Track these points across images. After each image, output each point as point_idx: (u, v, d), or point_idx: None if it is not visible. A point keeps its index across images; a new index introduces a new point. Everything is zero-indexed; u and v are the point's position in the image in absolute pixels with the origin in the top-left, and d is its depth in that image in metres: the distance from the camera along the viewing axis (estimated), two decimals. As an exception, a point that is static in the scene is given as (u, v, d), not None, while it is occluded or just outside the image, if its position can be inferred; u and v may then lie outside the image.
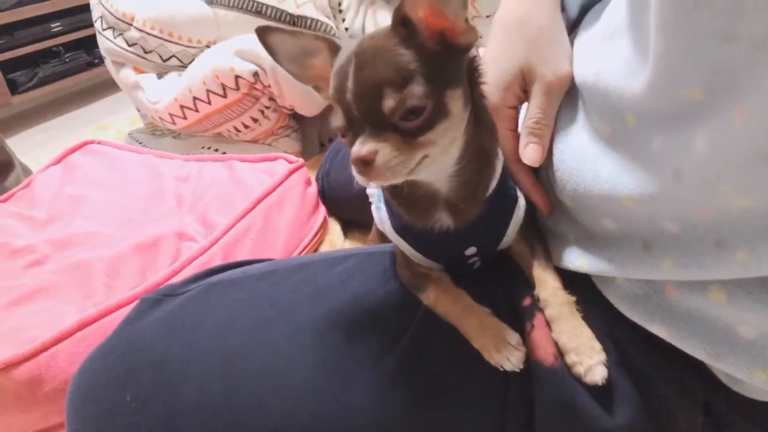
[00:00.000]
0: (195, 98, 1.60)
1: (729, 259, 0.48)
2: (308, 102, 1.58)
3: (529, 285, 0.67)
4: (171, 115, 1.67)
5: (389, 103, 0.52)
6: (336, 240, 1.33)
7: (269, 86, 1.55)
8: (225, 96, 1.57)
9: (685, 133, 0.47)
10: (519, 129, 0.70)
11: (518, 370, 0.59)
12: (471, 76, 0.60)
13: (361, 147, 0.53)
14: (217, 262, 1.07)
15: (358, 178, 0.55)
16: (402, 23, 0.55)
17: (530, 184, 0.69)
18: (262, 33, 0.61)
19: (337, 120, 0.56)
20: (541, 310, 0.65)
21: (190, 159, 1.52)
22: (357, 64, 0.54)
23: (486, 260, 0.70)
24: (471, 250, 0.68)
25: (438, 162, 0.58)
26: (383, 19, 1.69)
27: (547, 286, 0.65)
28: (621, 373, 0.61)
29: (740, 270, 0.47)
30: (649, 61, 0.47)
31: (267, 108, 1.62)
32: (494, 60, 0.68)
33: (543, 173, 0.70)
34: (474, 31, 0.56)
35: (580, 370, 0.59)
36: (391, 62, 0.54)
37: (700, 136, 0.45)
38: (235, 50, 1.52)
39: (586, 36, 0.66)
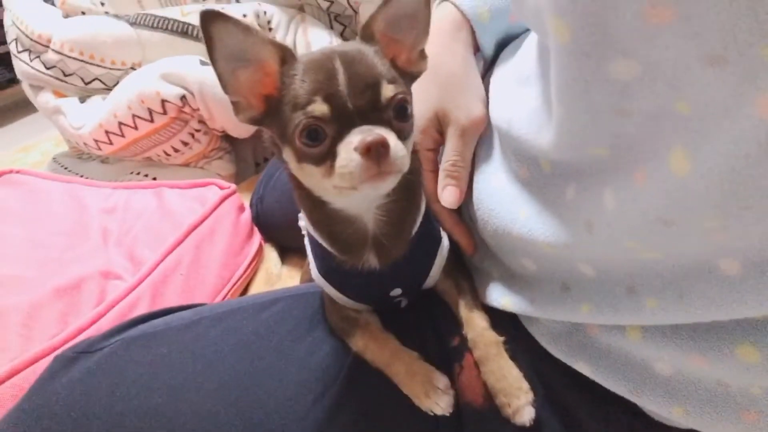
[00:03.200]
0: (120, 123, 1.54)
1: (640, 306, 0.49)
2: (241, 124, 1.54)
3: (457, 323, 0.67)
4: (96, 141, 1.60)
5: (387, 91, 0.52)
6: (273, 267, 1.30)
7: (198, 109, 1.50)
8: (152, 121, 1.52)
9: (595, 187, 0.47)
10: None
11: (447, 414, 0.59)
12: None
13: (370, 132, 0.49)
14: (146, 301, 1.03)
15: (357, 174, 0.49)
16: (371, 38, 0.57)
17: (453, 224, 0.69)
18: (208, 18, 0.51)
19: (319, 110, 0.51)
20: (470, 350, 0.65)
21: (118, 187, 1.46)
22: (345, 61, 0.53)
23: (412, 299, 0.70)
24: (396, 291, 0.67)
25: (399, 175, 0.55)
26: (314, 37, 1.68)
27: (474, 326, 0.65)
28: (548, 409, 0.62)
29: (650, 317, 0.48)
30: (552, 120, 0.48)
31: (197, 131, 1.58)
32: None
33: (465, 212, 0.70)
34: (426, 62, 0.58)
35: (508, 411, 0.59)
36: (378, 62, 0.54)
37: (608, 192, 0.46)
38: (161, 74, 1.47)
39: (500, 75, 0.66)
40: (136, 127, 1.54)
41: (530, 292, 0.61)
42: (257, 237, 1.32)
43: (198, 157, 1.64)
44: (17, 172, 1.52)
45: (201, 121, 1.57)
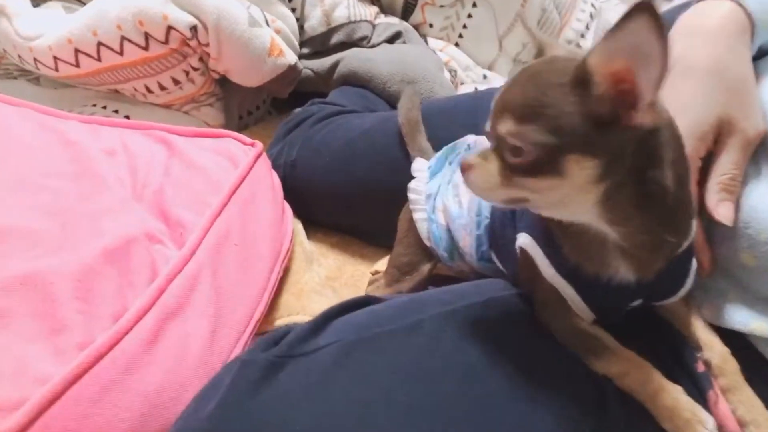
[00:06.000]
0: (101, 44, 1.25)
1: None
2: (254, 70, 1.33)
3: (689, 345, 0.64)
4: (56, 58, 1.29)
5: (501, 128, 0.54)
6: (306, 243, 1.15)
7: (206, 45, 1.28)
8: (146, 48, 1.26)
9: None
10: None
11: None
12: (649, 153, 0.53)
13: (471, 155, 0.58)
14: (208, 274, 0.85)
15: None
16: (582, 73, 0.50)
17: (702, 240, 0.65)
18: None
19: (487, 123, 0.57)
20: (715, 376, 0.62)
21: (90, 121, 1.18)
22: (513, 80, 0.55)
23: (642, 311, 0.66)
24: (637, 302, 0.63)
25: (547, 211, 0.58)
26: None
27: (717, 350, 0.63)
28: None
29: None
30: None
31: (195, 69, 1.34)
32: (687, 107, 0.62)
33: (706, 226, 0.67)
34: (655, 115, 0.50)
35: None
36: (531, 95, 0.52)
37: None
38: (171, -6, 1.22)
39: None
40: (121, 53, 1.26)
41: None
42: (288, 207, 1.16)
43: (186, 99, 1.40)
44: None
45: (201, 59, 1.33)
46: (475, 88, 1.52)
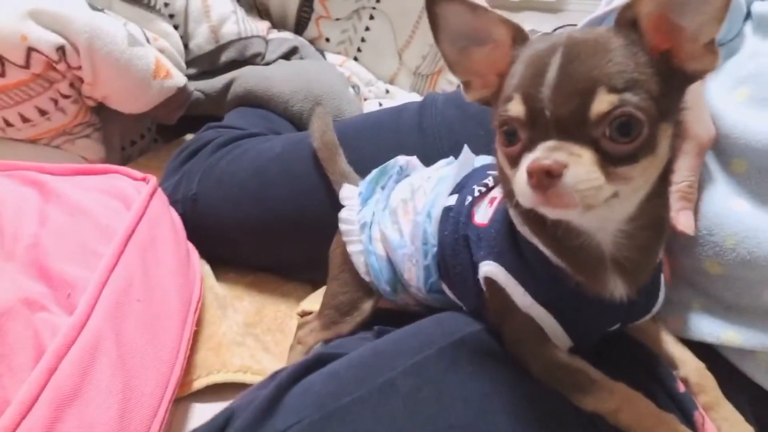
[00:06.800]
0: (-59, 71, 1.05)
1: None
2: (138, 95, 1.18)
3: (663, 364, 0.61)
4: None
5: (601, 105, 0.42)
6: (217, 287, 1.02)
7: (77, 68, 1.11)
8: (2, 74, 1.07)
9: None
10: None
11: None
12: None
13: (548, 154, 0.43)
14: (108, 340, 0.71)
15: (527, 197, 0.44)
16: (630, 24, 0.46)
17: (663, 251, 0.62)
18: None
19: (515, 110, 0.46)
20: (695, 394, 0.59)
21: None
22: (566, 54, 0.44)
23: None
24: (615, 325, 0.59)
25: (616, 208, 0.48)
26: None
27: (693, 366, 0.61)
28: None
29: None
30: None
31: (65, 97, 1.16)
32: None
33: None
34: (716, 57, 0.47)
35: None
36: (613, 61, 0.44)
37: None
38: (29, 10, 1.04)
39: (725, 91, 0.62)
40: (-32, 81, 1.07)
41: None
42: (192, 247, 1.03)
43: (56, 132, 1.21)
44: None
45: (72, 85, 1.16)
46: (380, 104, 1.46)
